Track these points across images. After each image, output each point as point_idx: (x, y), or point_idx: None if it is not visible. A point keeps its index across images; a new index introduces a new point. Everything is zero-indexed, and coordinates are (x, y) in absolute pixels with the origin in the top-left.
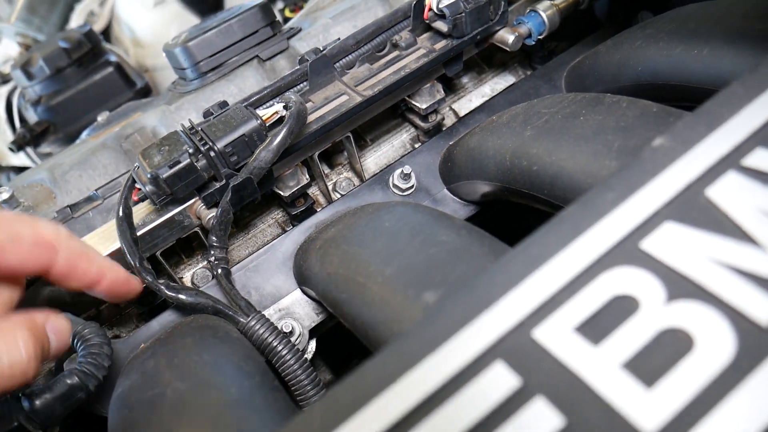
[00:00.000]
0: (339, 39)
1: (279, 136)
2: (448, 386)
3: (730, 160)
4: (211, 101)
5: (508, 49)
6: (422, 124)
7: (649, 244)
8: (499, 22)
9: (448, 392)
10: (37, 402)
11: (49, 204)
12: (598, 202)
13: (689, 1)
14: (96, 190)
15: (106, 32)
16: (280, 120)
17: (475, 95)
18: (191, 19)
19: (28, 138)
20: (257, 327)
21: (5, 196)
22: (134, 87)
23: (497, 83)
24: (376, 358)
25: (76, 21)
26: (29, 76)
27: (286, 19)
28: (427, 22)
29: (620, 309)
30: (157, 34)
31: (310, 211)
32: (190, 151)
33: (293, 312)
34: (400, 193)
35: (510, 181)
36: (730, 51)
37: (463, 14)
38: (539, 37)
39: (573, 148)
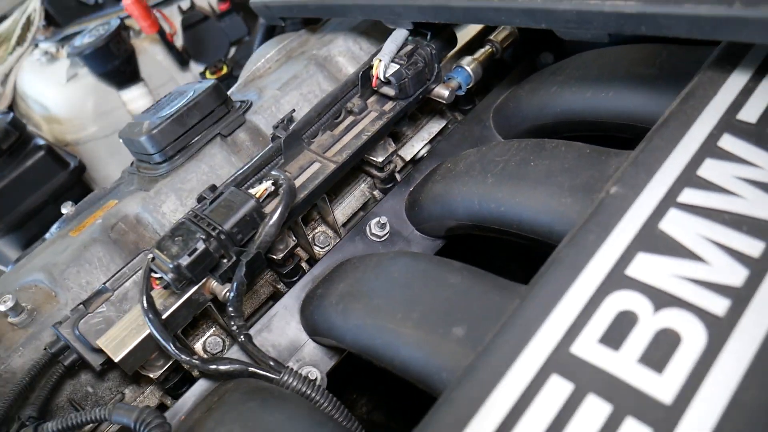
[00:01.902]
0: (294, 110)
1: (278, 212)
2: (523, 399)
3: (669, 200)
4: (186, 182)
5: (444, 102)
6: (379, 174)
7: (631, 271)
8: (434, 81)
9: (525, 403)
10: None
11: (51, 304)
12: (585, 244)
13: (581, 46)
14: (104, 283)
15: (10, 110)
16: (269, 195)
17: (416, 140)
18: (108, 91)
19: None
20: (291, 381)
21: (10, 304)
22: (68, 167)
23: (432, 127)
24: (457, 389)
25: None
26: None
27: None
28: (375, 89)
29: (625, 322)
30: (74, 109)
31: (297, 268)
32: (203, 237)
33: (310, 360)
34: (378, 240)
35: (480, 221)
36: (628, 92)
37: (407, 79)
38: (468, 87)
39: (532, 190)
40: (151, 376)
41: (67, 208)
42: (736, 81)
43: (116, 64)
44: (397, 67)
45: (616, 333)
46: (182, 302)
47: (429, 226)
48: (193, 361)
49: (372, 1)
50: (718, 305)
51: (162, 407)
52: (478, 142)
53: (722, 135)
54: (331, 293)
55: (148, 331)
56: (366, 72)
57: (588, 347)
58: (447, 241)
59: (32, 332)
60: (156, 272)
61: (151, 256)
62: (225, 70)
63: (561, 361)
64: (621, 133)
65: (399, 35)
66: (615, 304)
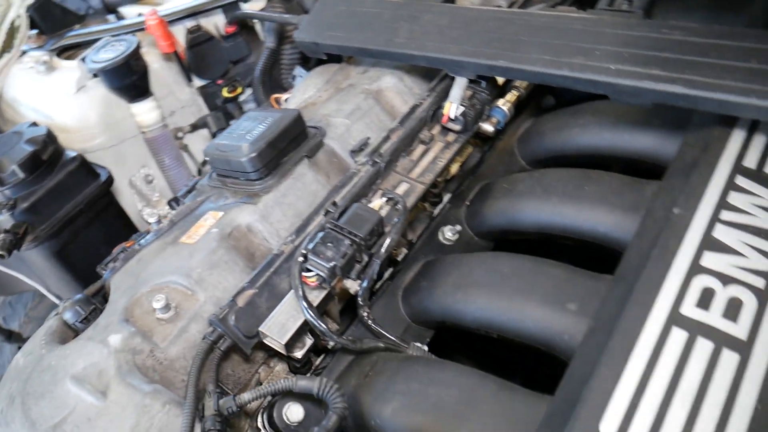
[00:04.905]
0: (369, 138)
1: (400, 224)
2: (658, 345)
3: (715, 218)
4: (286, 197)
5: (489, 135)
6: (433, 191)
7: (704, 263)
8: (484, 120)
9: (660, 347)
10: None
11: (190, 301)
12: (668, 246)
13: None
14: (247, 282)
15: None
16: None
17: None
18: (117, 102)
19: (14, 241)
20: (418, 353)
21: (162, 303)
22: (99, 179)
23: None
24: (608, 348)
25: None
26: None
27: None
28: (444, 125)
29: (708, 294)
30: (82, 119)
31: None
32: (350, 243)
33: (411, 338)
34: (449, 243)
35: (547, 230)
36: (640, 134)
37: (470, 119)
38: (504, 123)
39: (592, 207)
40: (298, 356)
41: (153, 218)
42: (737, 137)
43: (134, 79)
44: (463, 108)
45: (705, 301)
46: (325, 295)
47: (490, 233)
48: (344, 340)
49: (441, 54)
50: (759, 282)
51: None
52: (508, 166)
53: (737, 176)
54: (440, 285)
55: (303, 318)
56: (437, 111)
57: (690, 309)
58: (496, 243)
59: (181, 326)
60: (311, 270)
61: (301, 258)
62: (240, 90)
63: (676, 318)
64: (628, 166)
65: (463, 83)
66: (700, 283)
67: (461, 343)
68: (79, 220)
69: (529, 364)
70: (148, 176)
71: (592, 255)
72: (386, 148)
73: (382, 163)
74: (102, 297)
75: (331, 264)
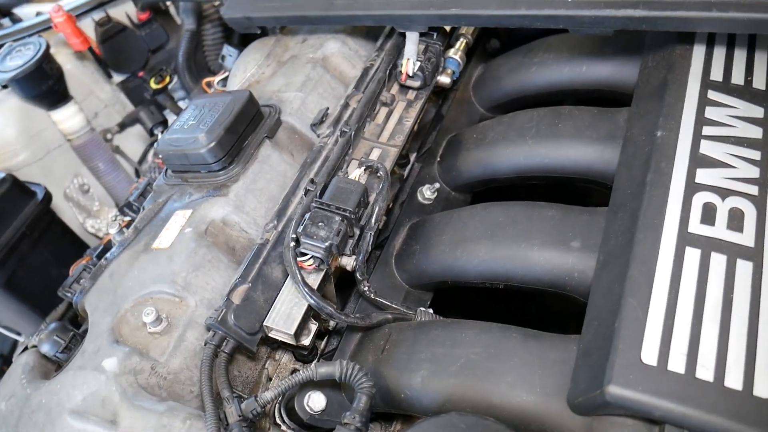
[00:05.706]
0: (328, 108)
1: (385, 191)
2: (675, 267)
3: (698, 134)
4: (256, 182)
5: (447, 87)
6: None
7: (698, 180)
8: (441, 72)
9: (678, 268)
10: (358, 417)
11: (181, 308)
12: (661, 170)
13: (530, 34)
14: (237, 278)
15: None
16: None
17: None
18: (34, 112)
19: None
20: (427, 318)
21: (153, 316)
22: (35, 197)
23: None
24: (630, 277)
25: None
26: None
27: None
28: (402, 83)
29: (710, 209)
30: (1, 136)
31: None
32: (340, 219)
33: (413, 303)
34: (429, 202)
35: (528, 173)
36: (597, 66)
37: (427, 73)
38: (459, 72)
39: (570, 143)
40: (305, 343)
41: (114, 228)
42: (698, 53)
43: (50, 84)
44: (419, 63)
45: (708, 216)
46: (323, 276)
47: (467, 185)
48: (354, 317)
49: (389, 10)
50: (753, 190)
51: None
52: (468, 115)
53: (708, 90)
54: (436, 245)
55: (306, 305)
56: (392, 70)
57: (697, 227)
58: (473, 196)
59: (177, 336)
60: (306, 254)
61: (293, 243)
62: (168, 79)
63: (687, 238)
64: (591, 96)
65: (415, 37)
66: (699, 200)
67: (452, 301)
68: (23, 244)
69: (519, 307)
70: (83, 185)
71: (564, 193)
72: (351, 116)
73: (351, 131)
74: (69, 321)
75: (327, 244)
